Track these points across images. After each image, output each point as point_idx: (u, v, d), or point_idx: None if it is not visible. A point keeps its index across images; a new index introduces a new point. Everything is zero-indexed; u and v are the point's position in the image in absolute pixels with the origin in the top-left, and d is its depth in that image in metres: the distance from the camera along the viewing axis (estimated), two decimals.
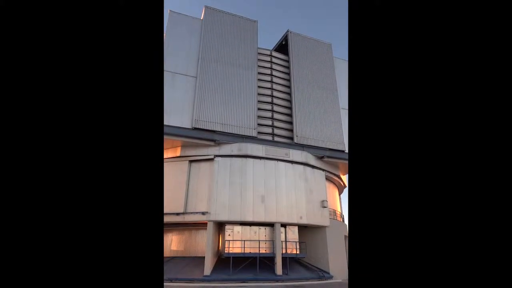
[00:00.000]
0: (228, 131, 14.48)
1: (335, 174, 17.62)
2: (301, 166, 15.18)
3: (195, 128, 13.96)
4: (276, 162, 14.66)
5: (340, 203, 19.51)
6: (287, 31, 19.28)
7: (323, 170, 16.28)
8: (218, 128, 14.31)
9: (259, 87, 16.97)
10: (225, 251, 12.49)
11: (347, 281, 13.67)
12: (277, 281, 12.03)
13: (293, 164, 15.00)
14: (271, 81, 17.70)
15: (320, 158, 16.12)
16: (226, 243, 12.67)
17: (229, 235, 12.88)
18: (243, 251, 12.68)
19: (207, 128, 14.11)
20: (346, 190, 20.83)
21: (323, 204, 14.96)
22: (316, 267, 14.16)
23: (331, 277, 13.61)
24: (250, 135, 14.79)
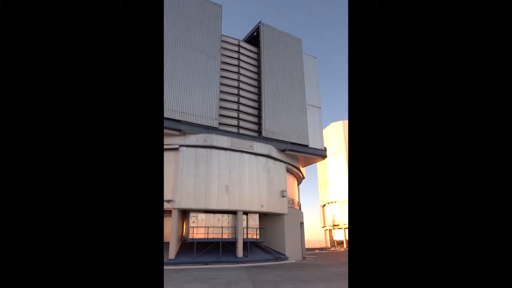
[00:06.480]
0: (189, 120, 15.12)
1: (295, 166, 20.05)
2: (264, 158, 17.15)
3: None
4: (240, 153, 16.33)
5: (298, 193, 22.24)
6: (259, 22, 20.16)
7: (284, 162, 18.51)
8: (177, 116, 14.81)
9: (225, 77, 17.78)
10: (189, 237, 14.10)
11: (300, 261, 16.39)
12: (237, 263, 14.10)
13: (257, 156, 16.87)
14: (238, 72, 18.57)
15: (282, 151, 18.28)
16: (191, 229, 14.26)
17: (193, 222, 14.46)
18: (206, 237, 14.43)
19: (168, 116, 14.48)
20: (304, 181, 23.74)
21: (283, 194, 17.28)
22: (274, 250, 16.61)
23: (286, 258, 16.18)
24: (211, 125, 15.72)
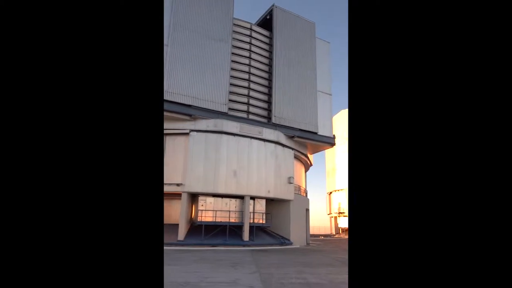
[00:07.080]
0: (199, 105, 15.35)
1: (303, 153, 20.25)
2: (273, 144, 17.39)
3: (165, 100, 14.38)
4: (249, 139, 16.60)
5: (305, 179, 22.56)
6: (272, 5, 19.71)
7: (292, 148, 18.71)
8: (188, 101, 15.04)
9: (235, 62, 17.74)
10: (198, 220, 14.75)
11: (304, 247, 16.94)
12: (243, 246, 14.73)
13: (265, 142, 17.11)
14: (249, 57, 18.45)
15: (291, 137, 18.43)
16: (199, 212, 14.87)
17: (202, 205, 15.05)
18: (214, 220, 15.04)
19: (178, 101, 14.75)
20: (312, 168, 24.00)
21: (290, 180, 17.62)
22: (279, 235, 17.19)
23: (291, 244, 16.75)
24: (221, 110, 15.94)
